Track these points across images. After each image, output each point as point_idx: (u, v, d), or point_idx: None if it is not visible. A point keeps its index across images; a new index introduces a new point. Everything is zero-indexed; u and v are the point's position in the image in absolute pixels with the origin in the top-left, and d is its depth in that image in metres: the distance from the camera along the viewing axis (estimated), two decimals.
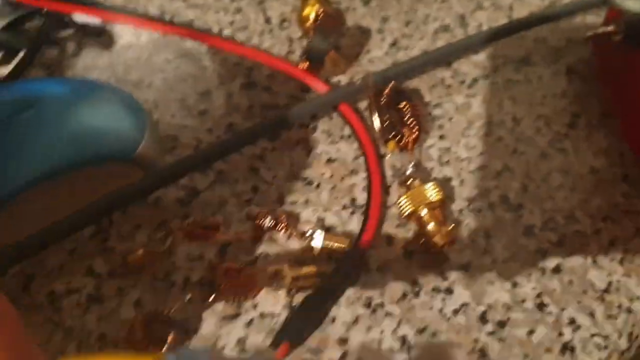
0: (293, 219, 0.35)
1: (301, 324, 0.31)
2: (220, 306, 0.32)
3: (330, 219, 0.35)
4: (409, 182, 0.34)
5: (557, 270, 0.34)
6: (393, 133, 0.35)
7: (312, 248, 0.33)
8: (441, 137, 0.39)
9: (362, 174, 0.37)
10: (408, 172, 0.35)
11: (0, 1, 0.42)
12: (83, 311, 0.31)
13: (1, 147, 0.31)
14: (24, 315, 0.30)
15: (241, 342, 0.31)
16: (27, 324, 0.30)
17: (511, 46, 0.43)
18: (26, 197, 0.31)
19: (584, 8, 0.43)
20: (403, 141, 0.36)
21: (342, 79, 0.41)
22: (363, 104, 0.39)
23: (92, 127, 0.33)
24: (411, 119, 0.36)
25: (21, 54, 0.40)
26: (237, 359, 0.27)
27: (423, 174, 0.37)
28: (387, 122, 0.35)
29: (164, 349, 0.29)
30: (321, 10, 0.38)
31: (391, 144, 0.35)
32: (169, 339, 0.30)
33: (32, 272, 0.32)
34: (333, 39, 0.38)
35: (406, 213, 0.33)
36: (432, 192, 0.33)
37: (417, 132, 0.36)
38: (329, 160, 0.37)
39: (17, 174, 0.31)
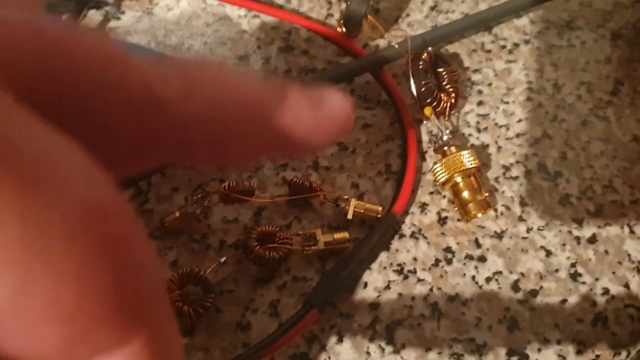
0: (327, 184, 0.35)
1: (330, 290, 0.31)
2: (254, 269, 0.32)
3: (365, 185, 0.35)
4: (445, 149, 0.34)
5: (592, 240, 0.33)
6: (430, 99, 0.35)
7: (345, 213, 0.34)
8: (479, 103, 0.38)
9: (398, 141, 0.37)
10: (445, 139, 0.35)
11: None
12: None
13: None
14: None
15: (273, 305, 0.32)
16: None
17: (555, 10, 0.42)
18: None
19: None
20: (440, 107, 0.35)
21: (381, 42, 0.40)
22: (401, 69, 0.39)
23: None
24: (449, 85, 0.36)
25: (65, 18, 0.40)
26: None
27: (460, 140, 0.36)
28: (424, 88, 0.35)
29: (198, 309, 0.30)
30: None
31: (428, 109, 0.35)
32: (205, 302, 0.30)
33: None
34: (372, 2, 0.38)
35: (441, 180, 0.33)
36: (467, 159, 0.33)
37: (454, 98, 0.36)
38: (365, 126, 0.37)
39: None
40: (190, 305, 0.30)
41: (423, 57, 0.36)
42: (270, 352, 0.29)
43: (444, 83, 0.36)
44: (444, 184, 0.34)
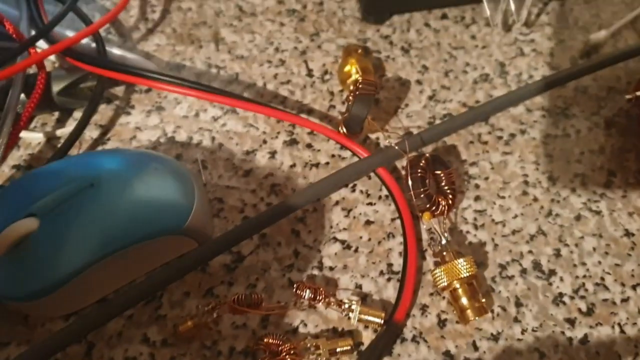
0: (331, 286, 0.37)
1: None
2: None
3: (367, 286, 0.37)
4: (444, 254, 0.36)
5: (584, 341, 0.35)
6: (428, 205, 0.37)
7: (349, 317, 0.36)
8: (477, 199, 0.40)
9: (399, 238, 0.38)
10: (443, 243, 0.36)
11: (58, 66, 0.44)
12: None
13: (62, 228, 0.34)
14: None
15: None
16: None
17: (551, 96, 0.43)
18: (84, 275, 0.34)
19: (630, 56, 0.43)
20: (439, 210, 0.37)
21: (380, 136, 0.42)
22: (400, 162, 0.40)
23: (146, 204, 0.35)
24: (447, 187, 0.38)
25: (78, 115, 0.42)
26: None
27: (458, 238, 0.38)
28: (422, 195, 0.37)
29: None
30: (360, 80, 0.39)
31: (426, 215, 0.37)
32: None
33: (93, 340, 0.35)
34: (371, 105, 0.39)
35: (441, 286, 0.35)
36: (464, 267, 0.35)
37: (452, 200, 0.37)
38: (367, 223, 0.39)
39: (77, 255, 0.33)
40: None
41: (421, 164, 0.37)
42: None
43: (442, 184, 0.38)
44: (443, 289, 0.35)
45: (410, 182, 0.37)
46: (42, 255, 0.34)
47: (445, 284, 0.35)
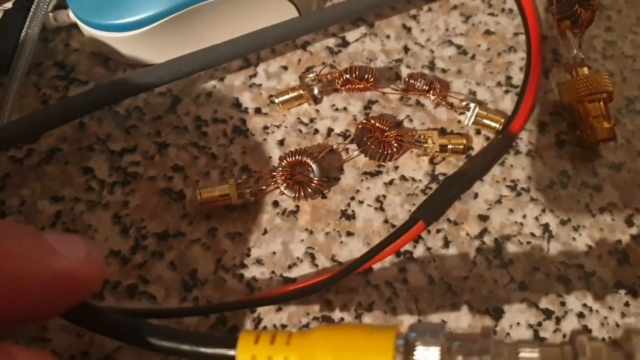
0: (443, 87, 0.33)
1: (439, 206, 0.30)
2: (362, 161, 0.31)
3: (483, 94, 0.33)
4: (577, 69, 0.32)
5: None
6: (569, 12, 0.33)
7: (459, 120, 0.32)
8: (607, 29, 0.36)
9: (521, 54, 0.34)
10: (579, 57, 0.32)
11: None
12: (229, 141, 0.31)
13: None
14: (170, 133, 0.30)
15: (379, 199, 0.30)
16: (173, 140, 0.30)
17: None
18: (176, 17, 0.30)
19: None
20: (577, 23, 0.33)
21: None
22: None
23: None
24: (586, 1, 0.34)
25: None
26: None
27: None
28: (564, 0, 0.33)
29: (306, 192, 0.29)
30: None
31: (565, 23, 0.33)
32: (313, 184, 0.29)
33: (179, 95, 0.32)
34: None
35: (580, 93, 0.31)
36: (608, 81, 0.31)
37: (591, 16, 0.33)
38: (487, 32, 0.35)
39: None
40: (300, 186, 0.29)
41: None
42: (375, 262, 0.28)
43: None
44: (577, 100, 0.31)
45: None
46: None
47: (576, 97, 0.31)
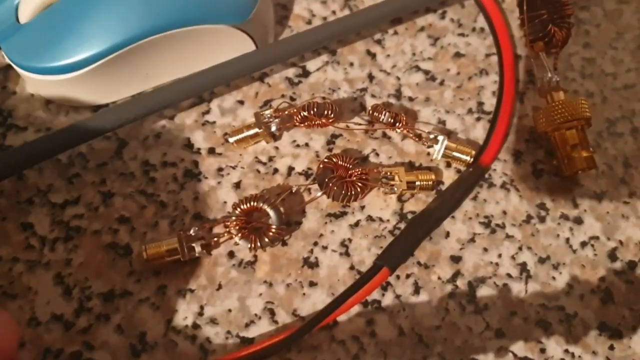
0: (410, 118, 0.31)
1: (405, 250, 0.27)
2: (326, 201, 0.29)
3: (453, 123, 0.31)
4: (552, 93, 0.30)
5: None
6: (542, 33, 0.31)
7: (428, 152, 0.30)
8: (585, 45, 0.34)
9: (494, 77, 0.32)
10: (554, 80, 0.30)
11: None
12: (179, 187, 0.29)
13: None
14: (116, 180, 0.28)
15: (345, 243, 0.28)
16: (119, 189, 0.28)
17: None
18: (121, 55, 0.28)
19: None
20: (552, 43, 0.31)
21: None
22: None
23: None
24: (561, 20, 0.31)
25: None
26: None
27: (562, 85, 0.32)
28: (537, 20, 0.31)
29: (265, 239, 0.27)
30: None
31: (539, 44, 0.31)
32: (270, 232, 0.27)
33: (125, 137, 0.30)
34: None
35: (556, 121, 0.29)
36: (585, 106, 0.29)
37: (566, 35, 0.31)
38: (457, 55, 0.33)
39: (115, 29, 0.27)
40: (257, 235, 0.27)
41: None
42: (339, 314, 0.26)
43: (556, 17, 0.32)
44: (552, 128, 0.29)
45: (525, 4, 0.31)
46: (74, 25, 0.28)
47: (552, 125, 0.29)
